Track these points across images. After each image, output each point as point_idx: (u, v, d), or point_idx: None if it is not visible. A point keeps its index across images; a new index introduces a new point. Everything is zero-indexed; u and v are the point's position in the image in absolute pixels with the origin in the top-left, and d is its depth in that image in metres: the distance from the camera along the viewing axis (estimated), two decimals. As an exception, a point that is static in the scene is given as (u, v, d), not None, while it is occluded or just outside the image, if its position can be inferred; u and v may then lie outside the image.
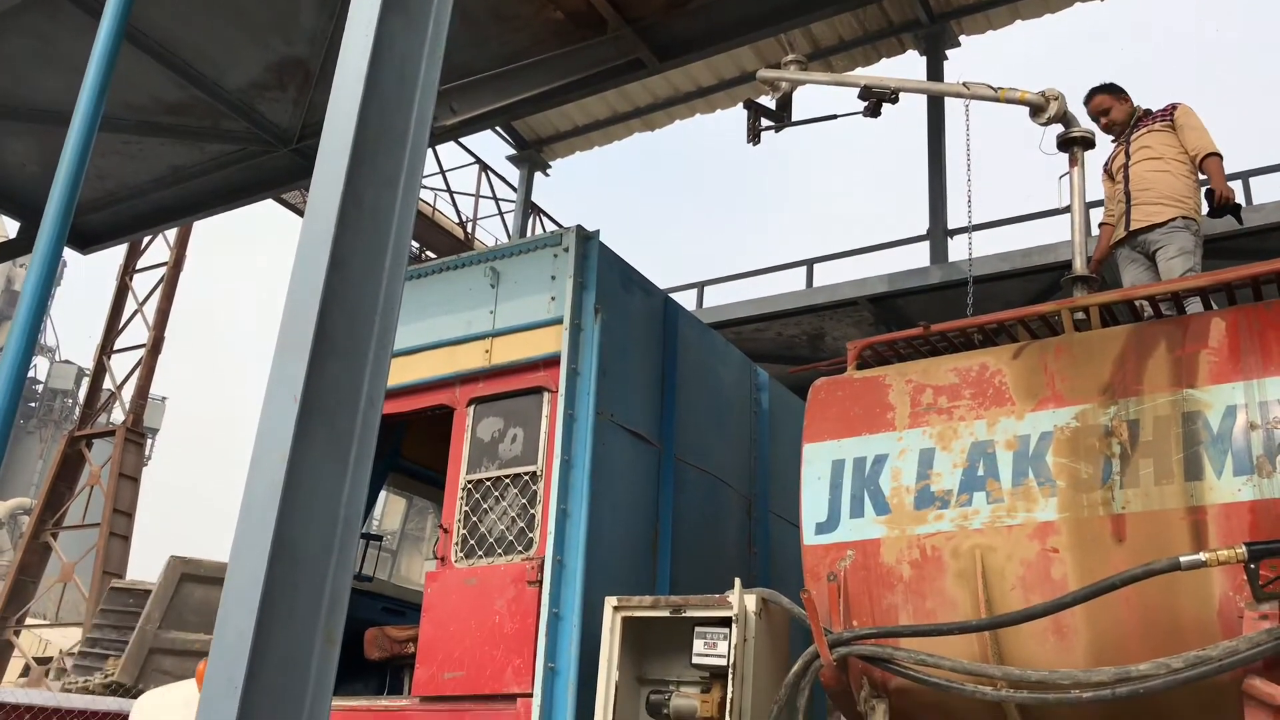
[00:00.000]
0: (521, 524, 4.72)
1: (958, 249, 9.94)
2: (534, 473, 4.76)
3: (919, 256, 11.58)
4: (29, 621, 18.47)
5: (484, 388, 5.10)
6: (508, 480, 4.85)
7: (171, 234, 18.40)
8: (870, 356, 4.49)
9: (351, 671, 5.51)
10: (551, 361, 4.87)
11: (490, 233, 15.86)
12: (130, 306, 18.59)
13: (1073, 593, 3.40)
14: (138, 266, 18.57)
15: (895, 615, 3.82)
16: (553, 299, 4.95)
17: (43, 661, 20.63)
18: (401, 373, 5.24)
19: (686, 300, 9.55)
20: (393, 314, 3.28)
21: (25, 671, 20.07)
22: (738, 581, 4.02)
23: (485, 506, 4.86)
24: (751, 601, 4.03)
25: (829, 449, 4.19)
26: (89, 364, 19.89)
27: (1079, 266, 4.86)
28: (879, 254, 11.05)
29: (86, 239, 6.84)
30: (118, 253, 18.62)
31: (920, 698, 3.73)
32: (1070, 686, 3.33)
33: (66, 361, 49.50)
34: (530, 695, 4.30)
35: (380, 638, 5.36)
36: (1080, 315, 4.06)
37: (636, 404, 5.09)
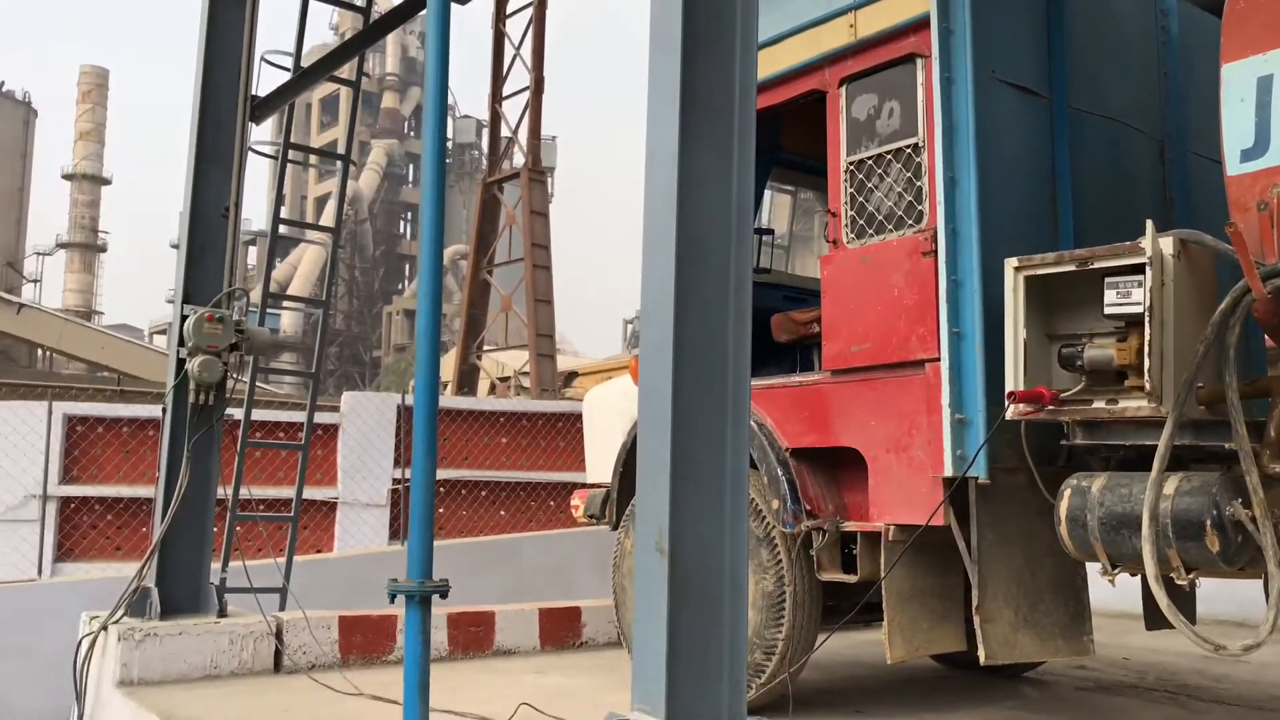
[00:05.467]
0: (909, 198, 4.68)
1: None
2: (916, 144, 4.65)
3: None
4: (485, 348, 21.36)
5: (853, 65, 4.96)
6: (889, 156, 4.78)
7: (531, -29, 18.99)
8: (1303, -54, 3.81)
9: (764, 356, 5.92)
10: (921, 24, 4.60)
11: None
12: (508, 53, 19.68)
13: None
14: (508, 11, 19.46)
15: (1343, 239, 3.43)
16: (915, -47, 4.62)
17: (503, 380, 23.96)
18: (768, 64, 5.20)
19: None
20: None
21: (492, 389, 23.45)
22: (1149, 224, 3.77)
23: (870, 186, 4.86)
24: (1168, 244, 3.77)
25: (1253, 65, 3.69)
26: (485, 115, 21.54)
27: None
28: None
29: (462, -12, 7.24)
30: (488, 2, 19.58)
31: (1377, 324, 3.39)
32: None
33: (466, 116, 53.95)
34: (937, 359, 4.41)
35: (785, 322, 5.68)
36: None
37: (1019, 54, 4.73)
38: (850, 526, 4.75)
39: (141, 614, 5.88)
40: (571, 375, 24.13)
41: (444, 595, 3.03)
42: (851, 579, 4.70)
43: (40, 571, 10.24)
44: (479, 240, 20.36)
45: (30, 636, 7.87)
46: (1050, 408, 4.01)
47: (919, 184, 4.61)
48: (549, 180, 22.46)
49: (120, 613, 5.84)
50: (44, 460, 10.50)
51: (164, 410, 6.19)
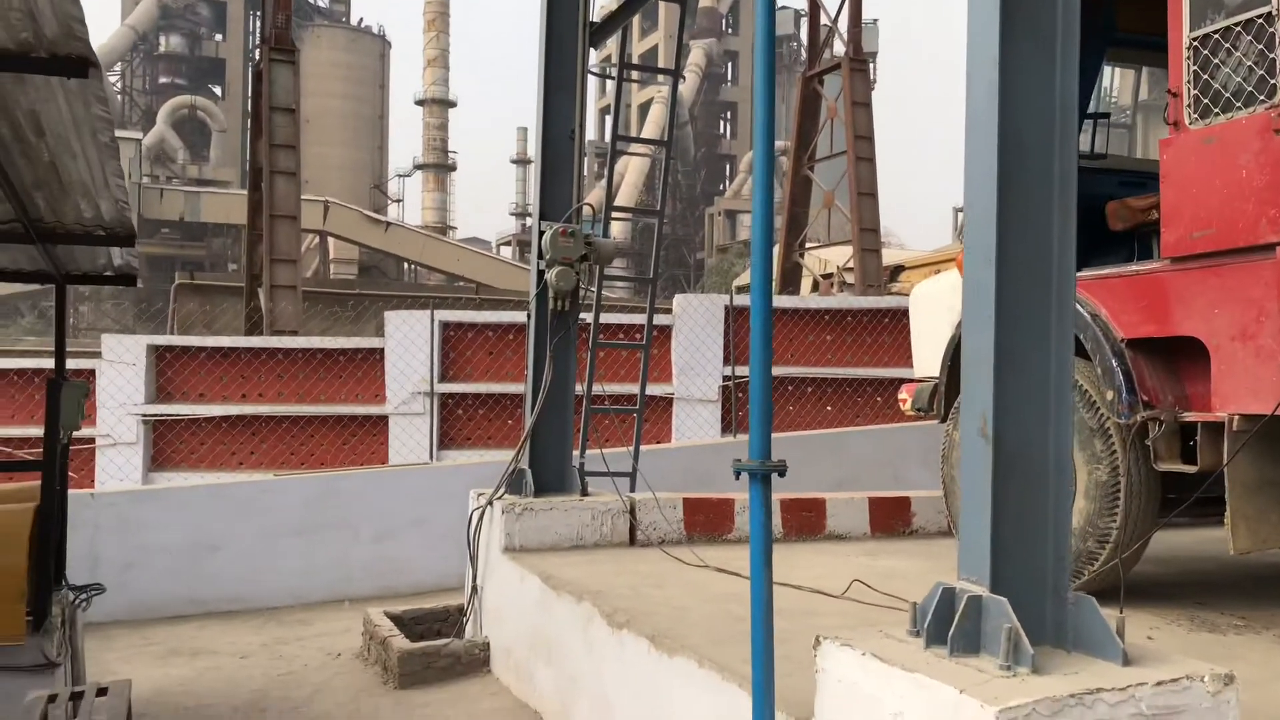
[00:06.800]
0: (1260, 71, 4.39)
1: None
2: (1269, 13, 4.34)
3: None
4: (808, 245, 21.49)
5: (1196, -69, 4.66)
6: (1238, 28, 4.49)
7: None
8: None
9: (1099, 245, 5.77)
10: (1279, -124, 4.26)
11: None
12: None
13: None
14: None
15: None
16: None
17: (826, 277, 24.05)
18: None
19: None
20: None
21: (814, 286, 23.64)
22: None
23: (1216, 61, 4.59)
24: None
25: None
26: (802, 5, 21.27)
27: None
28: None
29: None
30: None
31: None
32: None
33: (783, 7, 53.23)
34: (1290, 242, 4.19)
35: (1121, 209, 5.50)
36: None
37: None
38: (1190, 417, 4.66)
39: (519, 491, 6.79)
40: (898, 269, 23.74)
41: (782, 474, 3.39)
42: (1191, 469, 4.62)
43: (430, 457, 11.85)
44: (799, 136, 20.34)
45: (427, 510, 9.24)
46: None
47: (1272, 56, 4.32)
48: (870, 67, 21.88)
49: (502, 490, 6.78)
50: (429, 361, 12.06)
51: (529, 316, 7.00)
